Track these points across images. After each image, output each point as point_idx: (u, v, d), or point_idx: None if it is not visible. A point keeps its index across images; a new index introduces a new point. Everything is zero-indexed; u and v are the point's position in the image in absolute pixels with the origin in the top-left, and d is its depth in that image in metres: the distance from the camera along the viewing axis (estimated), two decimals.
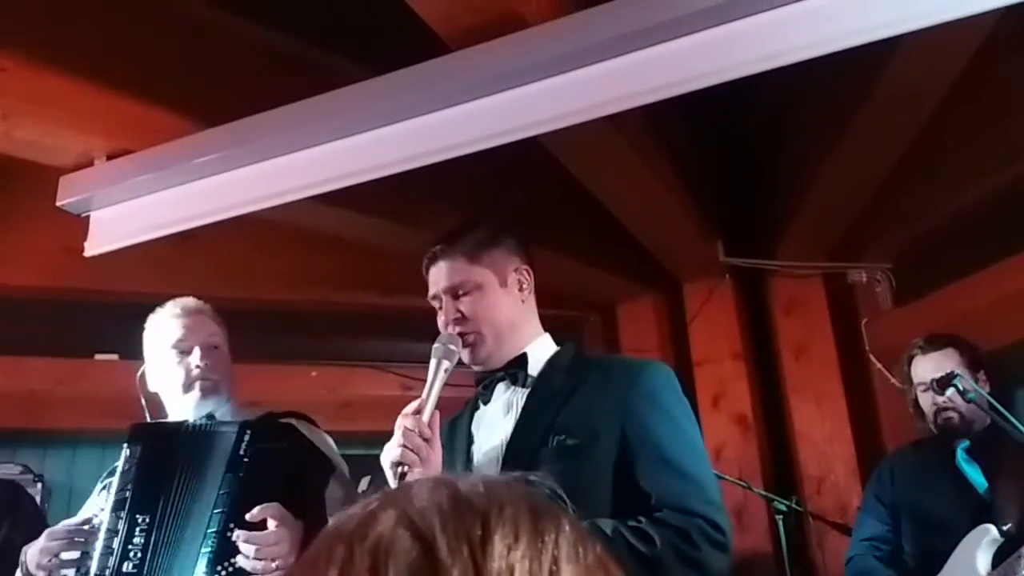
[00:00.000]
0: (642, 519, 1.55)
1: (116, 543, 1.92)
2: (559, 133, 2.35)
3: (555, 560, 0.56)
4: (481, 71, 2.22)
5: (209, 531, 1.88)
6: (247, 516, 1.84)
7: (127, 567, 1.90)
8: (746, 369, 4.04)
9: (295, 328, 4.35)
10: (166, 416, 2.21)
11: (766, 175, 3.98)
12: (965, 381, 2.59)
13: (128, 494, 1.97)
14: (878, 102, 2.82)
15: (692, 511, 1.56)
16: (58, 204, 2.71)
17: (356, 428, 3.47)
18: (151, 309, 2.25)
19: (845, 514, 3.55)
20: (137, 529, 1.93)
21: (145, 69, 2.65)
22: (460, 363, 1.77)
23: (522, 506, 0.58)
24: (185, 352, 2.15)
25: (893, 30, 1.91)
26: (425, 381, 1.71)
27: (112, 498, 1.98)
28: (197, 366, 2.13)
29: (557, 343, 1.89)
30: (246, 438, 1.97)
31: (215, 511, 1.90)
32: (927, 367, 2.77)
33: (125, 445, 2.03)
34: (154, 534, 1.92)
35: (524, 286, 1.86)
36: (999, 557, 2.45)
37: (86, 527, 1.98)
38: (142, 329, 2.25)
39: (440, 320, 1.83)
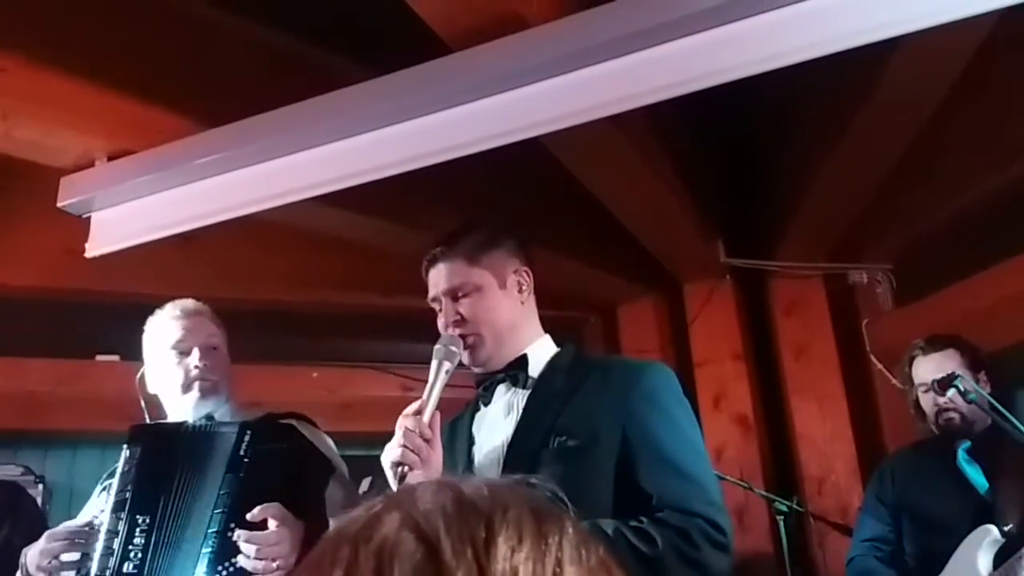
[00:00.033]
0: (643, 519, 1.55)
1: (116, 544, 1.92)
2: (560, 134, 2.35)
3: (558, 562, 0.56)
4: (482, 72, 2.22)
5: (209, 531, 1.89)
6: (248, 516, 1.84)
7: (127, 568, 1.90)
8: (747, 370, 4.04)
9: (296, 329, 4.35)
10: (165, 418, 2.21)
11: (766, 176, 3.98)
12: (966, 382, 2.59)
13: (128, 495, 1.97)
14: (878, 103, 2.82)
15: (693, 511, 1.56)
16: (59, 205, 2.71)
17: (356, 429, 3.48)
18: (152, 310, 2.25)
19: (846, 515, 3.55)
20: (137, 530, 1.93)
21: (146, 69, 2.65)
22: (461, 365, 1.78)
23: (525, 508, 0.58)
24: (184, 353, 2.15)
25: (893, 31, 1.91)
26: (426, 382, 1.71)
27: (112, 499, 1.98)
28: (196, 366, 2.13)
29: (557, 344, 1.89)
30: (246, 438, 1.97)
31: (215, 511, 1.90)
32: (928, 368, 2.77)
33: (125, 446, 2.03)
34: (154, 535, 1.92)
35: (523, 287, 1.86)
36: (1000, 558, 2.46)
37: (87, 529, 1.98)
38: (143, 330, 2.25)
39: (440, 322, 1.83)
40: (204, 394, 2.13)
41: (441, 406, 1.68)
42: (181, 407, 2.15)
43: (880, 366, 3.81)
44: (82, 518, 2.08)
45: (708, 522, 1.56)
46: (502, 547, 0.55)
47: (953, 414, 2.70)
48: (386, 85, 2.34)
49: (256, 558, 1.81)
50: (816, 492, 3.77)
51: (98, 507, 2.08)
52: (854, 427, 3.83)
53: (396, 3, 2.15)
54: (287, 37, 2.99)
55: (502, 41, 2.19)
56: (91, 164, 2.71)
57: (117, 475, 2.01)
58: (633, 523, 1.55)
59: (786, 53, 1.96)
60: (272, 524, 1.84)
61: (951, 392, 2.60)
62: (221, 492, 1.92)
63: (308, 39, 3.01)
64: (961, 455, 2.73)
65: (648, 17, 2.03)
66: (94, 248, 2.73)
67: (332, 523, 1.94)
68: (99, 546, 1.93)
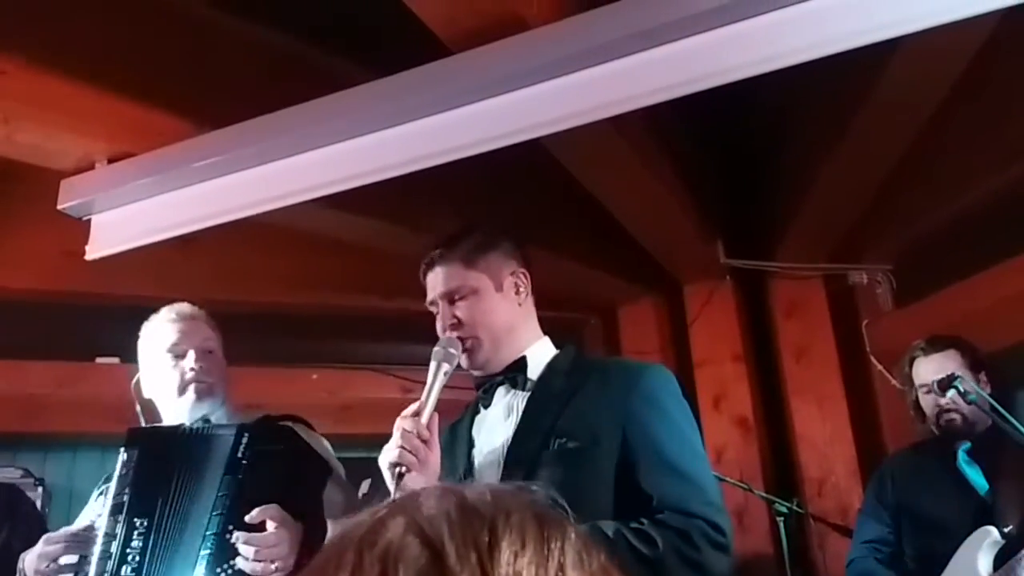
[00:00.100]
0: (644, 521, 1.56)
1: (114, 547, 1.92)
2: (560, 135, 2.35)
3: (561, 567, 0.57)
4: (482, 74, 2.22)
5: (208, 533, 1.88)
6: (246, 518, 1.85)
7: (125, 571, 1.90)
8: (747, 371, 4.04)
9: (296, 331, 4.35)
10: (161, 422, 2.21)
11: (766, 176, 3.98)
12: (966, 383, 2.59)
13: (126, 498, 1.97)
14: (878, 104, 2.82)
15: (693, 513, 1.56)
16: (59, 207, 2.72)
17: (356, 431, 3.48)
18: (152, 312, 2.26)
19: (846, 516, 3.55)
20: (135, 533, 1.93)
21: (146, 72, 2.66)
22: (459, 367, 1.78)
23: (528, 514, 0.59)
24: (180, 356, 2.16)
25: (893, 32, 1.92)
26: (425, 384, 1.72)
27: (110, 502, 1.98)
28: (192, 369, 2.14)
29: (557, 346, 1.89)
30: (244, 440, 1.97)
31: (214, 513, 1.90)
32: (929, 369, 2.77)
33: (122, 449, 2.03)
34: (152, 537, 1.92)
35: (521, 289, 1.86)
36: (1000, 559, 2.45)
37: (85, 532, 1.98)
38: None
39: (438, 325, 1.83)
40: (200, 396, 2.14)
41: (440, 408, 1.68)
42: (177, 410, 2.15)
43: (880, 367, 3.81)
44: (80, 522, 2.08)
45: (708, 523, 1.56)
46: (505, 552, 0.55)
47: (954, 415, 2.70)
48: (386, 87, 2.34)
49: (255, 560, 1.81)
50: (816, 493, 3.77)
51: (96, 511, 2.08)
52: (854, 428, 3.83)
53: (396, 5, 2.15)
54: (287, 39, 3.00)
55: (502, 43, 2.19)
56: (91, 167, 2.72)
57: (114, 478, 2.01)
58: (633, 525, 1.55)
59: (786, 54, 1.97)
60: (270, 526, 1.85)
61: (951, 393, 2.60)
62: (219, 494, 1.92)
63: (308, 41, 3.01)
64: (961, 456, 2.73)
65: (648, 18, 2.03)
66: (94, 250, 2.73)
67: (330, 525, 1.95)
68: (97, 549, 1.92)
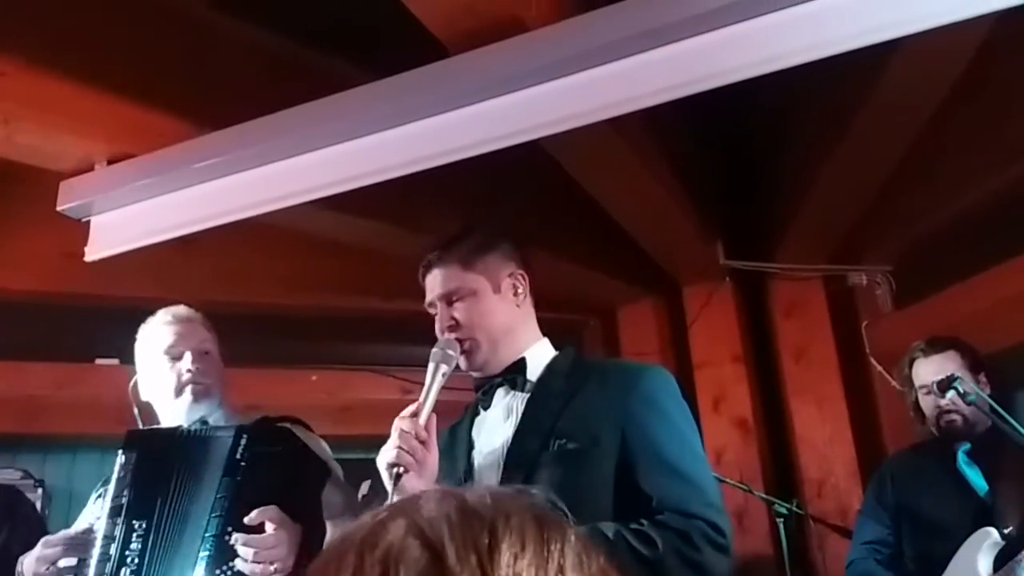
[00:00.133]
0: (644, 522, 1.56)
1: (113, 549, 1.92)
2: (560, 136, 2.35)
3: (560, 569, 0.57)
4: (481, 75, 2.22)
5: (207, 535, 1.89)
6: (245, 519, 1.85)
7: (125, 573, 1.90)
8: (746, 372, 4.04)
9: (295, 332, 4.35)
10: (159, 424, 2.21)
11: (766, 178, 3.98)
12: (966, 384, 2.59)
13: (124, 500, 1.97)
14: (878, 105, 2.83)
15: (692, 513, 1.56)
16: (59, 209, 2.72)
17: (356, 432, 3.48)
18: (152, 314, 2.26)
19: (846, 517, 3.55)
20: (134, 535, 1.93)
21: (146, 73, 2.66)
22: (458, 368, 1.78)
23: (528, 516, 0.59)
24: (176, 358, 2.16)
25: (892, 33, 1.92)
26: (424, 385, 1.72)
27: (108, 504, 1.98)
28: (188, 370, 2.14)
29: (556, 347, 1.89)
30: (243, 442, 1.97)
31: (212, 515, 1.91)
32: (929, 370, 2.77)
33: (120, 451, 2.04)
34: (151, 539, 1.92)
35: (519, 291, 1.86)
36: (1000, 560, 2.45)
37: (83, 535, 1.98)
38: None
39: (437, 326, 1.83)
40: (197, 398, 2.14)
41: (440, 409, 1.68)
42: (174, 412, 2.15)
43: (880, 368, 3.81)
44: (79, 525, 2.09)
45: (708, 524, 1.56)
46: (505, 553, 0.56)
47: (955, 416, 2.70)
48: (386, 88, 2.35)
49: (254, 561, 1.81)
50: (816, 494, 3.77)
51: (94, 514, 2.08)
52: (854, 429, 3.83)
53: (395, 6, 2.15)
54: (287, 40, 3.00)
55: (501, 44, 2.19)
56: (91, 168, 2.72)
57: (113, 480, 2.01)
58: (633, 526, 1.55)
59: (785, 55, 1.97)
60: (269, 527, 1.85)
61: (951, 394, 2.60)
62: (218, 496, 1.92)
63: (308, 42, 3.01)
64: (961, 457, 2.73)
65: (647, 20, 2.03)
66: (94, 252, 2.73)
67: (329, 526, 1.95)
68: (96, 552, 1.93)
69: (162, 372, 2.16)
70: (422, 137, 2.31)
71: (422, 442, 1.62)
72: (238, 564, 1.83)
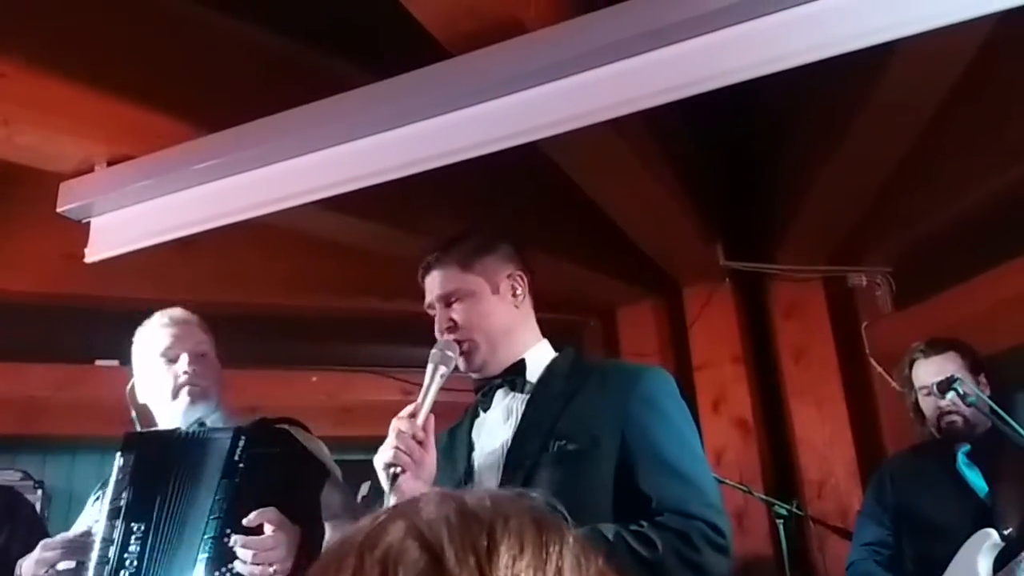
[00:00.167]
0: (644, 523, 1.56)
1: (112, 552, 1.92)
2: (559, 138, 2.35)
3: (559, 571, 0.57)
4: (481, 76, 2.22)
5: (206, 537, 1.89)
6: (244, 521, 1.85)
7: (123, 575, 1.90)
8: (746, 373, 4.04)
9: (295, 333, 4.35)
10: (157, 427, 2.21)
11: (766, 178, 3.98)
12: (966, 385, 2.59)
13: (123, 502, 1.97)
14: (877, 106, 2.83)
15: (692, 514, 1.56)
16: (58, 210, 2.72)
17: (356, 433, 3.47)
18: (151, 315, 2.26)
19: (846, 518, 3.55)
20: (133, 537, 1.93)
21: (146, 74, 2.66)
22: (457, 369, 1.78)
23: (527, 518, 0.59)
24: (172, 360, 2.17)
25: (892, 34, 1.92)
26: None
27: (107, 507, 1.98)
28: (184, 372, 2.14)
29: (556, 348, 1.89)
30: (241, 444, 1.98)
31: (211, 517, 1.91)
32: (929, 371, 2.77)
33: (118, 454, 2.04)
34: (150, 542, 1.92)
35: (518, 292, 1.86)
36: (1000, 562, 2.45)
37: (82, 538, 1.98)
38: None
39: (436, 328, 1.84)
40: (193, 399, 2.14)
41: (439, 410, 1.68)
42: (171, 415, 2.16)
43: (879, 369, 3.81)
44: (77, 528, 2.09)
45: (708, 525, 1.56)
46: (504, 556, 0.56)
47: (955, 417, 2.70)
48: (385, 89, 2.35)
49: (253, 563, 1.81)
50: (816, 495, 3.77)
51: (93, 516, 2.08)
52: (853, 430, 3.83)
53: (395, 7, 2.15)
54: (286, 42, 3.00)
55: (501, 46, 2.19)
56: (91, 169, 2.72)
57: (111, 483, 2.01)
58: (633, 527, 1.55)
59: (785, 57, 1.97)
60: (268, 529, 1.85)
61: (951, 395, 2.60)
62: (216, 498, 1.92)
63: (307, 44, 3.01)
64: (961, 458, 2.73)
65: (647, 21, 2.03)
66: (94, 253, 2.74)
67: (328, 527, 1.95)
68: (95, 555, 1.93)
69: (158, 375, 2.16)
70: (422, 138, 2.31)
71: (419, 442, 1.62)
72: (237, 566, 1.83)
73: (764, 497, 3.53)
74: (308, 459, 2.11)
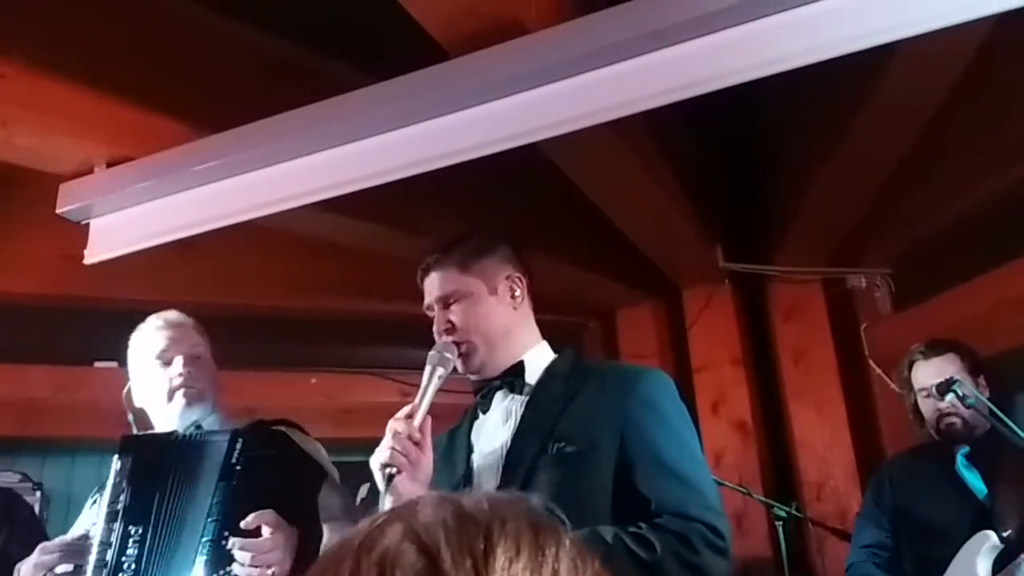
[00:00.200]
0: (643, 525, 1.55)
1: (110, 555, 1.92)
2: (559, 139, 2.35)
3: (555, 573, 0.58)
4: (481, 78, 2.22)
5: (203, 540, 1.88)
6: (241, 523, 1.85)
7: None
8: (745, 375, 4.04)
9: (295, 335, 4.35)
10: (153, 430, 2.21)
11: (765, 180, 3.98)
12: (965, 387, 2.59)
13: (120, 505, 1.97)
14: (877, 107, 2.83)
15: (691, 516, 1.56)
16: (58, 211, 2.72)
17: (355, 435, 3.47)
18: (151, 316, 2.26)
19: (845, 520, 3.55)
20: (130, 540, 1.93)
21: (145, 76, 2.66)
22: (455, 371, 1.78)
23: (524, 521, 0.60)
24: (167, 363, 2.17)
25: (892, 35, 1.92)
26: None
27: (104, 510, 1.98)
28: (180, 374, 2.14)
29: (555, 350, 1.89)
30: (238, 446, 1.97)
31: (209, 519, 1.90)
32: (928, 372, 2.77)
33: (116, 457, 2.04)
34: (148, 545, 1.92)
35: (516, 293, 1.86)
36: (999, 564, 2.45)
37: (80, 541, 1.98)
38: None
39: (435, 329, 1.84)
40: (189, 402, 2.14)
41: (438, 412, 1.68)
42: (167, 417, 2.16)
43: (879, 371, 3.81)
44: (75, 531, 2.09)
45: (707, 527, 1.56)
46: (500, 558, 0.56)
47: (954, 419, 2.70)
48: (385, 91, 2.35)
49: (251, 565, 1.81)
50: (815, 497, 3.77)
51: (90, 520, 2.08)
52: (853, 432, 3.83)
53: (395, 9, 2.15)
54: (286, 43, 3.00)
55: (501, 47, 2.20)
56: (90, 171, 2.72)
57: (108, 486, 2.01)
58: (632, 529, 1.55)
59: (785, 58, 1.97)
60: (266, 531, 1.84)
61: (950, 397, 2.60)
62: (214, 500, 1.92)
63: (307, 45, 3.01)
64: (960, 460, 2.73)
65: (647, 22, 2.03)
66: (93, 255, 2.74)
67: (326, 529, 1.94)
68: (92, 558, 1.92)
69: (154, 377, 2.16)
70: (422, 140, 2.31)
71: (416, 443, 1.62)
72: (235, 568, 1.82)
73: (763, 499, 3.53)
74: (305, 461, 2.11)
